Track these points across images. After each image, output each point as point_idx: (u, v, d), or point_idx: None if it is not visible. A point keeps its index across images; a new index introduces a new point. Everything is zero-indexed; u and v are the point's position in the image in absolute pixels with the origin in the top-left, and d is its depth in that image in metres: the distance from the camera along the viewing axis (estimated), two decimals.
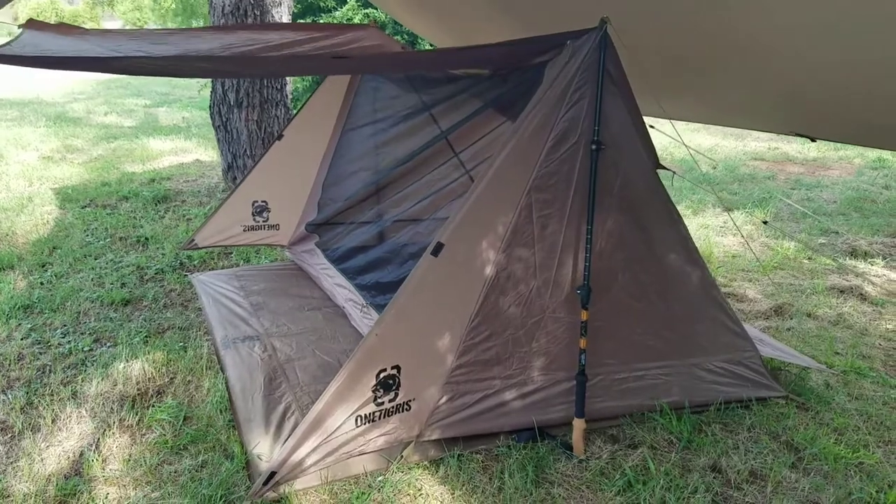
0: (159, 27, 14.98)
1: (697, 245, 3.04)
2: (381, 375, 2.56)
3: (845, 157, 9.92)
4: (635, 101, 2.71)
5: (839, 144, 9.81)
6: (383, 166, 4.40)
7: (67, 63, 2.59)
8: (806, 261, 5.44)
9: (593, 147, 2.59)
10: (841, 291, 4.75)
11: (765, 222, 4.94)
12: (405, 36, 10.47)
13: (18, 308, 4.16)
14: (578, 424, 2.81)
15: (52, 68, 2.53)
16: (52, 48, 2.76)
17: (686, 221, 3.00)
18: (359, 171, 4.59)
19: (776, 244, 5.80)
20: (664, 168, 2.99)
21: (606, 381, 2.95)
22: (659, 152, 2.89)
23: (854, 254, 5.61)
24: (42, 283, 4.61)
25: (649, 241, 2.89)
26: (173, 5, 11.94)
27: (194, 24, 12.03)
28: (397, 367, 2.59)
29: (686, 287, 3.02)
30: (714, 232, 6.14)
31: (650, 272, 2.92)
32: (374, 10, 10.39)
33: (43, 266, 4.95)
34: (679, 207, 3.00)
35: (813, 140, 3.48)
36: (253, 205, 4.94)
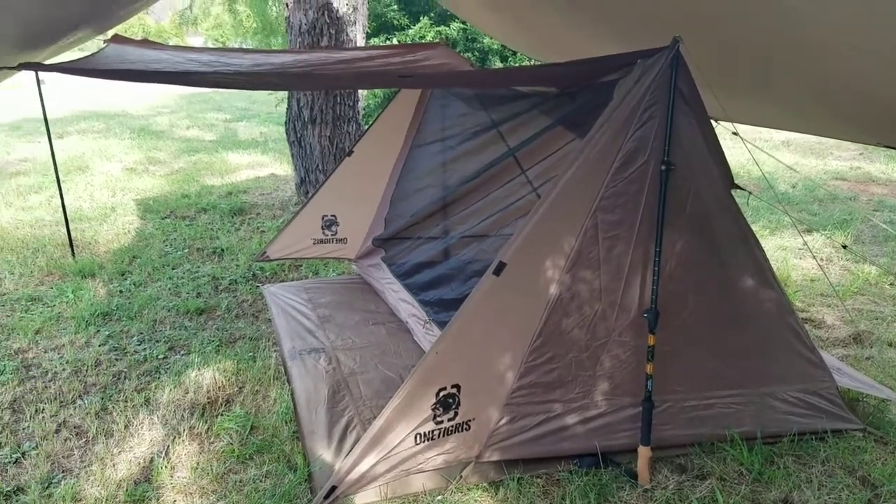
0: (239, 45, 15.57)
1: (774, 268, 2.91)
2: (441, 394, 2.55)
3: None
4: (709, 120, 2.63)
5: None
6: (450, 183, 4.42)
7: (148, 76, 2.72)
8: (888, 286, 5.13)
9: (663, 167, 2.52)
10: None
11: (844, 246, 4.68)
12: (476, 53, 10.54)
13: (98, 315, 4.38)
14: (644, 452, 2.72)
15: (132, 80, 2.66)
16: (134, 62, 2.91)
17: (763, 242, 2.87)
18: (426, 187, 4.63)
19: (857, 268, 5.50)
20: (739, 188, 2.89)
21: (674, 409, 2.85)
22: (736, 169, 2.79)
23: None
24: (121, 292, 4.84)
25: (722, 264, 2.79)
26: (254, 24, 12.42)
27: (272, 42, 12.46)
28: (457, 387, 2.58)
29: (760, 312, 2.89)
30: (792, 254, 5.87)
31: (722, 296, 2.82)
32: (447, 28, 10.50)
33: (122, 275, 5.20)
34: (755, 227, 2.88)
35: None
36: (322, 219, 5.06)
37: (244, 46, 14.63)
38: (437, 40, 7.06)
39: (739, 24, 2.60)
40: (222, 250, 5.83)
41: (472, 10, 5.60)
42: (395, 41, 10.55)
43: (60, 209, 5.65)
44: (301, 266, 5.48)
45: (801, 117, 3.69)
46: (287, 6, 6.51)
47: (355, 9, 6.53)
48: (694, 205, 2.67)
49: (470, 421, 2.66)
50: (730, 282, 2.82)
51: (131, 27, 32.70)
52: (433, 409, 2.55)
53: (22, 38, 1.89)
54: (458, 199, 4.33)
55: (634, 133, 2.52)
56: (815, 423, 2.99)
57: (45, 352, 3.93)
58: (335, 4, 6.30)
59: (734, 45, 2.86)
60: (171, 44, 3.57)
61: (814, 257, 5.75)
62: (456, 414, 2.61)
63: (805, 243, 6.10)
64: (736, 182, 2.82)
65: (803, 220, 7.01)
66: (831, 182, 9.14)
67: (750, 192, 2.97)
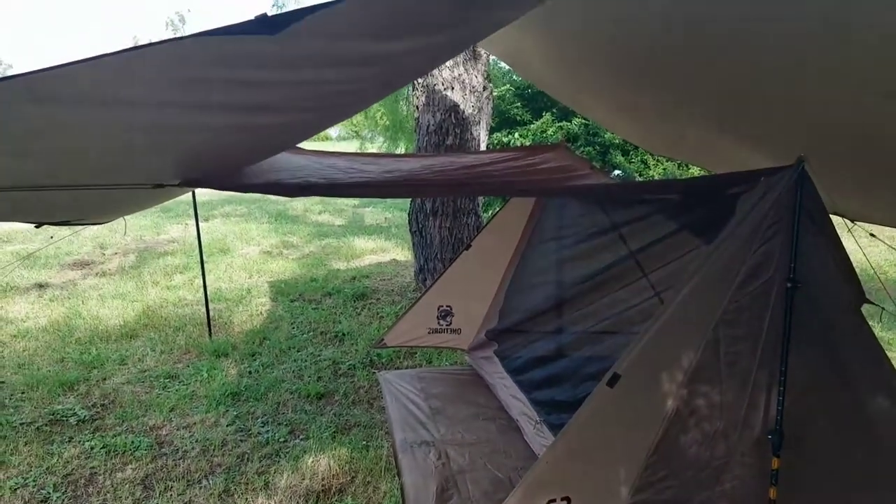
0: (370, 135, 16.64)
1: None
2: None
3: None
4: (837, 236, 2.53)
5: None
6: (567, 281, 4.44)
7: (294, 190, 2.98)
8: None
9: (789, 285, 2.44)
10: None
11: None
12: (597, 147, 10.67)
13: (228, 395, 4.68)
14: None
15: (281, 195, 2.93)
16: (279, 170, 3.21)
17: None
18: (542, 284, 4.67)
19: None
20: (870, 303, 2.73)
21: None
22: (870, 271, 2.65)
23: None
24: (250, 373, 5.16)
25: (851, 386, 2.60)
26: (385, 121, 13.35)
27: (401, 139, 13.29)
28: (567, 499, 2.52)
29: (894, 439, 2.65)
30: None
31: (852, 420, 2.61)
32: (569, 123, 10.76)
33: (252, 355, 5.55)
34: (890, 335, 2.67)
35: None
36: (438, 309, 5.20)
37: (375, 136, 15.67)
38: (559, 140, 7.25)
39: (871, 138, 2.54)
40: (343, 334, 6.10)
41: (596, 110, 5.74)
42: (516, 135, 10.92)
43: (202, 289, 6.18)
44: (416, 353, 5.62)
45: None
46: (417, 108, 6.97)
47: (480, 109, 6.87)
48: (821, 323, 2.54)
49: None
50: (860, 405, 2.62)
51: None
52: None
53: (185, 165, 2.19)
54: (575, 298, 4.33)
55: (759, 249, 2.46)
56: None
57: (178, 429, 4.24)
58: (462, 106, 6.68)
59: (868, 158, 2.77)
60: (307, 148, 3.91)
61: None
62: None
63: None
64: (867, 297, 2.67)
65: None
66: None
67: (882, 308, 2.79)
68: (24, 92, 1.37)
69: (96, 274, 8.57)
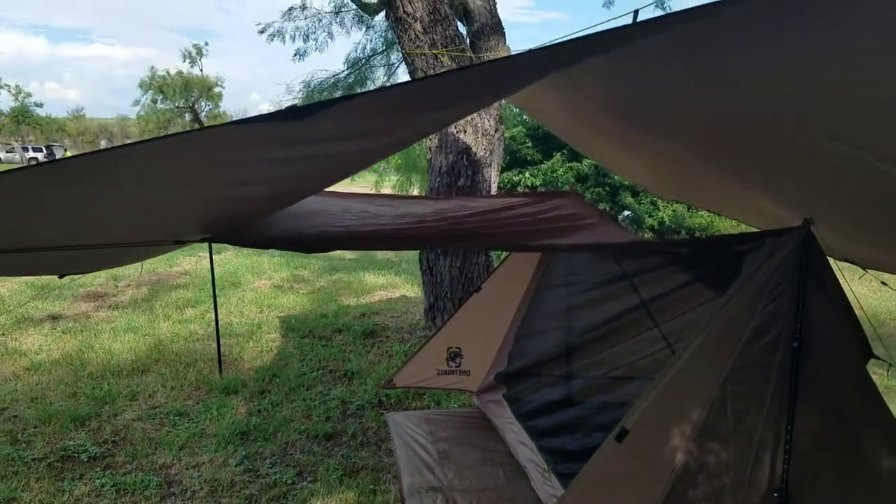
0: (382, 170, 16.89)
1: None
2: None
3: None
4: (843, 295, 2.57)
5: None
6: (576, 327, 4.48)
7: (309, 244, 3.05)
8: None
9: (795, 344, 2.47)
10: None
11: None
12: (607, 188, 10.76)
13: (237, 434, 4.70)
14: None
15: (293, 250, 3.00)
16: (296, 214, 3.29)
17: None
18: (550, 329, 4.71)
19: None
20: (877, 358, 2.76)
21: None
22: (883, 316, 2.68)
23: None
24: (259, 411, 5.19)
25: (856, 445, 2.61)
26: (398, 160, 13.56)
27: (413, 177, 13.48)
28: None
29: None
30: None
31: (857, 478, 2.62)
32: (579, 164, 10.88)
33: (262, 393, 5.58)
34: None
35: None
36: (448, 350, 5.24)
37: (389, 170, 15.91)
38: (569, 180, 7.34)
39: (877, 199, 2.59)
40: (353, 373, 6.13)
41: (604, 154, 5.82)
42: (527, 174, 11.04)
43: (213, 323, 6.24)
44: (424, 395, 5.63)
45: None
46: (430, 150, 7.09)
47: (492, 152, 6.99)
48: (827, 382, 2.56)
49: None
50: (864, 463, 2.62)
51: None
52: None
53: (207, 223, 2.28)
54: (585, 346, 4.36)
55: (765, 307, 2.50)
56: None
57: (187, 468, 4.26)
58: (473, 149, 6.79)
59: (874, 211, 2.83)
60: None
61: None
62: None
63: None
64: (874, 351, 2.70)
65: None
66: None
67: (890, 365, 2.81)
68: (74, 174, 1.47)
69: (109, 306, 8.67)
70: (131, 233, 2.20)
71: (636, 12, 2.53)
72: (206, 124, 58.84)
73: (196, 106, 58.00)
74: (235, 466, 4.24)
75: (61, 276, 2.76)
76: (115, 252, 2.53)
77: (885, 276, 3.63)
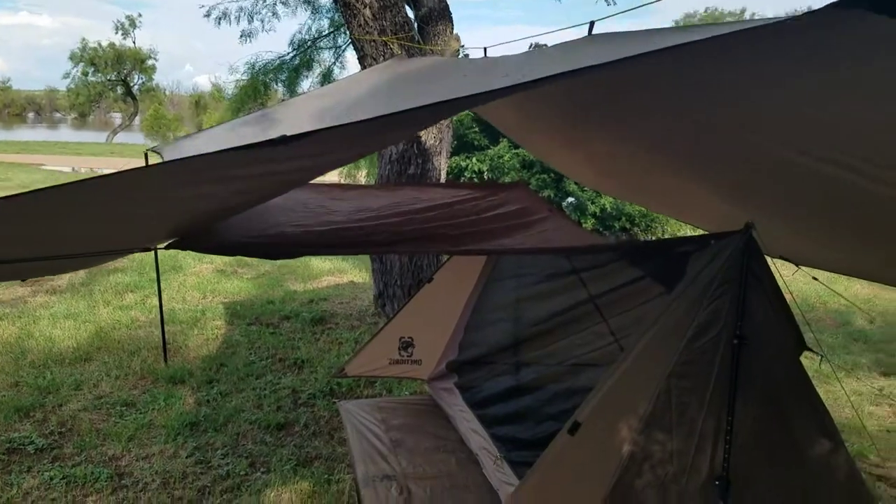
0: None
1: (847, 416, 2.91)
2: None
3: None
4: (781, 294, 2.74)
5: None
6: (525, 319, 4.60)
7: (270, 250, 3.05)
8: None
9: (735, 341, 2.64)
10: None
11: None
12: (553, 174, 10.96)
13: (186, 425, 4.66)
14: None
15: (257, 256, 3.01)
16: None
17: (836, 386, 2.91)
18: (500, 320, 4.82)
19: None
20: (810, 350, 2.96)
21: None
22: (813, 300, 2.87)
23: None
24: (208, 401, 5.14)
25: (792, 435, 2.81)
26: None
27: (361, 162, 13.37)
28: None
29: (832, 484, 2.88)
30: (867, 400, 5.66)
31: (793, 467, 2.83)
32: (524, 151, 11.04)
33: (210, 383, 5.52)
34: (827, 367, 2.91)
35: None
36: (400, 340, 5.30)
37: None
38: (517, 176, 7.46)
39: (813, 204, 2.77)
40: (303, 361, 6.12)
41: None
42: (474, 160, 11.13)
43: (155, 310, 6.11)
44: (376, 382, 5.69)
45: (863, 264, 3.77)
46: None
47: (441, 140, 7.03)
48: (765, 376, 2.75)
49: None
50: (800, 453, 2.83)
51: None
52: None
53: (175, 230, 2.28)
54: (535, 337, 4.49)
55: (708, 306, 2.66)
56: None
57: (137, 460, 4.21)
58: (423, 137, 6.82)
59: (809, 219, 3.02)
60: None
61: (891, 404, 5.54)
62: None
63: (881, 389, 5.89)
64: (804, 336, 2.90)
65: (881, 362, 6.76)
66: None
67: (822, 356, 3.02)
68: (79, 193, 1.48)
69: (46, 291, 8.35)
70: (99, 243, 2.19)
71: (592, 24, 2.62)
72: (138, 98, 56.90)
73: (128, 79, 55.82)
74: (186, 458, 4.22)
75: (24, 280, 2.69)
76: (78, 260, 2.50)
77: (816, 272, 3.88)
